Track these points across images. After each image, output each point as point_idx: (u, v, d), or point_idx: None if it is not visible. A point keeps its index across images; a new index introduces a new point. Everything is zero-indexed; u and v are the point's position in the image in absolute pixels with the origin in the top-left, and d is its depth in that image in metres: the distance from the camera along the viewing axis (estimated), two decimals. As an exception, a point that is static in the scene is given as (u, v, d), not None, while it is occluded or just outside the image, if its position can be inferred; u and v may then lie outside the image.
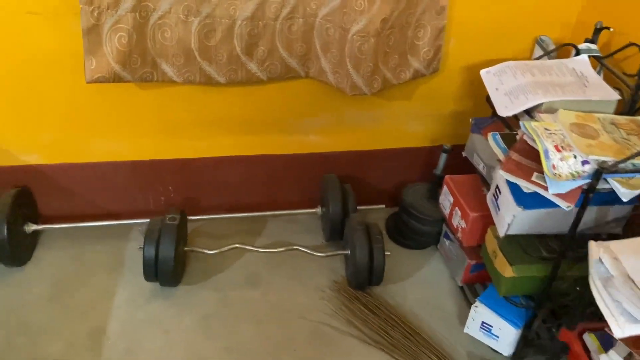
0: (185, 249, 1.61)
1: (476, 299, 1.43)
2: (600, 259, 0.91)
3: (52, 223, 1.68)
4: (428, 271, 1.72)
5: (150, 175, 1.71)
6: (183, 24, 1.37)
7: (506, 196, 1.25)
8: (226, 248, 1.60)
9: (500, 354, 1.44)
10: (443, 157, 1.67)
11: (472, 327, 1.46)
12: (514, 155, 1.17)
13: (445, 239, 1.71)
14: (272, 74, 1.51)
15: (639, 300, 0.83)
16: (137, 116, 1.57)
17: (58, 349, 1.39)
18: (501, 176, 1.24)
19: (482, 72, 1.41)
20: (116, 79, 1.38)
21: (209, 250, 1.60)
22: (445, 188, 1.61)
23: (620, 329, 0.84)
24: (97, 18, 1.30)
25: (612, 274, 0.89)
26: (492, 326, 1.41)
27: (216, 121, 1.63)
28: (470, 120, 1.53)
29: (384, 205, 1.87)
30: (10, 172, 1.60)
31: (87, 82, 1.36)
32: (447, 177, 1.60)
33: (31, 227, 1.59)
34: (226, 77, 1.48)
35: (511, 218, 1.24)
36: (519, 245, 1.31)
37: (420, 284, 1.67)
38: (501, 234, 1.29)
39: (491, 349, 1.45)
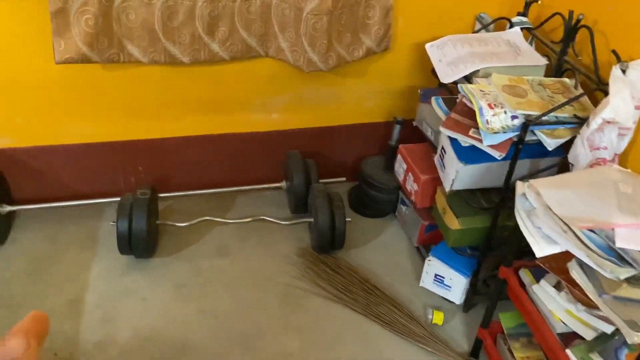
0: (157, 222, 1.69)
1: (429, 254, 1.56)
2: (524, 194, 1.04)
3: (25, 204, 1.74)
4: (387, 236, 1.84)
5: (120, 156, 1.78)
6: (146, 6, 1.45)
7: (450, 155, 1.39)
8: (196, 221, 1.69)
9: (453, 302, 1.58)
10: (396, 128, 1.79)
11: (426, 280, 1.59)
12: (454, 115, 1.31)
13: (401, 205, 1.84)
14: (234, 54, 1.61)
15: (555, 224, 0.97)
16: (106, 98, 1.65)
17: (37, 318, 1.46)
18: (445, 137, 1.37)
19: (427, 45, 1.55)
20: (84, 59, 1.46)
21: (180, 223, 1.68)
22: (399, 156, 1.73)
23: (540, 249, 0.98)
24: (64, 1, 1.38)
25: (534, 206, 1.02)
26: (444, 277, 1.55)
27: (183, 102, 1.72)
28: (419, 91, 1.66)
29: (344, 178, 1.99)
30: (-18, 156, 1.65)
31: (57, 63, 1.43)
32: (401, 146, 1.73)
33: (6, 209, 1.65)
34: (190, 57, 1.57)
35: (455, 174, 1.37)
36: (464, 200, 1.45)
37: (380, 248, 1.79)
38: (447, 189, 1.42)
39: (444, 299, 1.59)
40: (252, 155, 1.91)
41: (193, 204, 1.88)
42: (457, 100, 1.37)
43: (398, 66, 1.83)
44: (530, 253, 1.03)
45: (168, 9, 1.47)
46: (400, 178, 1.74)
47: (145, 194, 1.60)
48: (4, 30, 1.45)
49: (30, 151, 1.69)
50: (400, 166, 1.73)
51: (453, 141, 1.35)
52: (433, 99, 1.39)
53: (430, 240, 1.75)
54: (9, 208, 1.66)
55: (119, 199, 1.65)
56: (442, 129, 1.28)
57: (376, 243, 1.81)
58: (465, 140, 1.26)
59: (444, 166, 1.43)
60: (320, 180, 1.85)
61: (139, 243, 1.58)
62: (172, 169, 1.86)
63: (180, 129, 1.78)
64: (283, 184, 1.91)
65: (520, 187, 1.05)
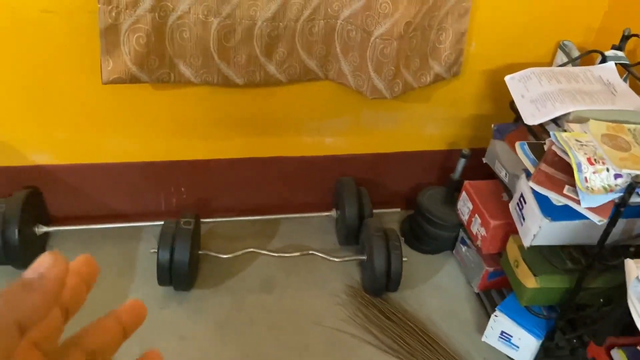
0: (200, 252, 1.58)
1: (496, 308, 1.41)
2: (638, 278, 0.89)
3: (62, 224, 1.65)
4: (444, 277, 1.70)
5: (162, 176, 1.68)
6: (202, 24, 1.33)
7: (532, 206, 1.23)
8: (240, 252, 1.57)
9: (520, 363, 1.43)
10: (461, 162, 1.64)
11: (490, 336, 1.44)
12: (544, 167, 1.15)
13: (461, 245, 1.69)
14: (291, 76, 1.48)
15: (680, 322, 0.82)
16: (150, 116, 1.54)
17: (72, 355, 1.36)
18: (527, 186, 1.22)
19: (507, 78, 1.39)
20: (133, 80, 1.35)
21: (224, 254, 1.57)
22: (464, 194, 1.58)
23: (661, 352, 0.83)
24: (115, 18, 1.26)
25: (651, 294, 0.87)
26: (511, 336, 1.40)
27: (230, 122, 1.60)
28: (492, 126, 1.51)
29: (399, 209, 1.84)
30: (20, 172, 1.56)
31: (104, 83, 1.32)
32: (466, 183, 1.58)
33: (42, 229, 1.56)
34: (244, 79, 1.44)
35: (537, 229, 1.22)
36: (542, 256, 1.30)
37: (436, 290, 1.65)
38: (526, 244, 1.27)
39: (509, 358, 1.44)
40: (301, 181, 1.78)
41: (236, 229, 1.76)
42: (546, 147, 1.21)
43: (466, 93, 1.67)
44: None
45: (225, 28, 1.34)
46: (464, 218, 1.59)
47: (189, 223, 1.49)
48: (51, 43, 1.35)
49: (70, 169, 1.60)
50: (464, 204, 1.58)
51: (537, 192, 1.20)
52: (518, 145, 1.24)
53: (493, 287, 1.60)
54: (44, 229, 1.57)
55: (159, 222, 1.54)
56: (532, 184, 1.13)
57: (432, 284, 1.67)
58: (559, 200, 1.10)
59: (523, 217, 1.28)
60: (373, 210, 1.71)
61: (180, 276, 1.47)
62: (216, 192, 1.75)
63: (226, 150, 1.66)
64: (333, 212, 1.77)
65: (634, 268, 0.90)
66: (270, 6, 1.33)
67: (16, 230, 1.44)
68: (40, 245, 1.61)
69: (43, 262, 0.26)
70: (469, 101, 1.69)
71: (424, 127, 1.73)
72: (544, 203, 1.21)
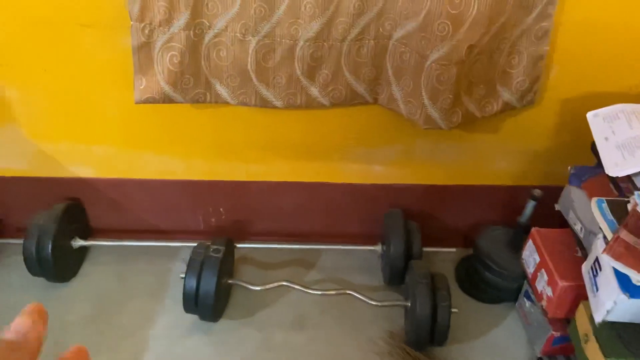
0: (230, 281, 1.49)
1: (557, 387, 1.19)
2: None
3: (101, 236, 1.64)
4: (502, 332, 1.48)
5: (201, 196, 1.61)
6: (240, 43, 1.23)
7: (608, 277, 1.01)
8: (271, 285, 1.46)
9: None
10: (531, 204, 1.42)
11: (548, 417, 1.23)
12: (624, 235, 0.93)
13: (525, 299, 1.47)
14: (336, 100, 1.35)
15: None
16: (191, 135, 1.47)
17: (89, 380, 1.32)
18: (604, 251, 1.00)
19: (589, 115, 1.16)
20: (166, 100, 1.27)
21: (255, 286, 1.47)
22: (530, 243, 1.36)
23: None
24: (149, 36, 1.19)
25: None
26: (574, 422, 1.17)
27: (274, 145, 1.49)
28: (569, 168, 1.28)
29: (454, 249, 1.65)
30: (62, 184, 1.55)
31: (136, 103, 1.27)
32: (534, 230, 1.36)
33: (78, 243, 1.55)
34: (284, 102, 1.33)
35: (612, 305, 1.00)
36: (617, 335, 1.06)
37: (491, 348, 1.44)
38: (597, 319, 1.04)
39: None
40: (346, 210, 1.64)
41: (274, 256, 1.66)
42: (630, 206, 0.98)
43: (540, 124, 1.44)
44: None
45: (264, 48, 1.23)
46: (529, 270, 1.37)
47: (218, 251, 1.40)
48: (89, 58, 1.31)
49: (110, 182, 1.57)
50: (530, 255, 1.36)
51: (615, 260, 0.97)
52: (595, 202, 1.01)
53: (559, 352, 1.37)
54: (80, 243, 1.55)
55: (194, 244, 1.46)
56: (605, 256, 0.91)
57: (486, 340, 1.46)
58: (638, 280, 0.88)
59: (596, 287, 1.06)
60: (425, 248, 1.54)
61: (205, 307, 1.38)
62: (256, 215, 1.65)
63: (268, 173, 1.56)
64: (378, 247, 1.61)
65: None
66: (313, 25, 1.20)
67: (50, 243, 1.43)
68: (76, 258, 1.60)
69: (24, 323, 0.29)
70: (543, 134, 1.46)
71: (488, 160, 1.53)
72: (623, 275, 0.98)
